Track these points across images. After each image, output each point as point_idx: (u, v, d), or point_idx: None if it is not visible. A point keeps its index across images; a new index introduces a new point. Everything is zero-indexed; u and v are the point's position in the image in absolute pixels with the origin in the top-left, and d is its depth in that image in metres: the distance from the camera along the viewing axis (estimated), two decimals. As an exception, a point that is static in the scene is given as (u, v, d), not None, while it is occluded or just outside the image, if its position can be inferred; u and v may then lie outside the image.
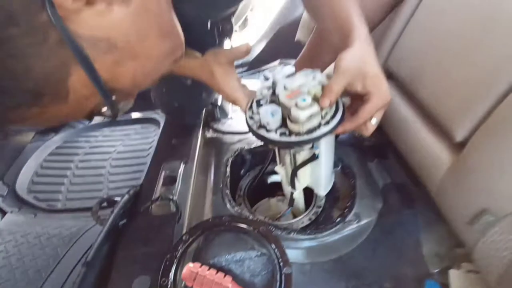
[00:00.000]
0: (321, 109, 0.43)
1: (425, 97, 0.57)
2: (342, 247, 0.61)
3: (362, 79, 0.43)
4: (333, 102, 0.43)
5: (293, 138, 0.44)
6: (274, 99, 0.49)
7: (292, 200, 0.66)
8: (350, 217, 0.64)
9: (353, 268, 0.58)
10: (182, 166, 0.79)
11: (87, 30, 0.28)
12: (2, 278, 0.81)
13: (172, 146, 0.88)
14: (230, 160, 0.77)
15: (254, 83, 1.27)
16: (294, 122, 0.43)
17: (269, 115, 0.44)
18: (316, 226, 0.68)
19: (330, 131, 0.44)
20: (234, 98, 0.57)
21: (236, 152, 0.80)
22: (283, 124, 0.45)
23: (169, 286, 0.51)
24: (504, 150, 0.39)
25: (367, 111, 0.45)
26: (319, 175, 0.58)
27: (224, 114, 0.99)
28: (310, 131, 0.43)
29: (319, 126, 0.44)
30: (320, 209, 0.72)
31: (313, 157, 0.53)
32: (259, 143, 0.85)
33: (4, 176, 1.16)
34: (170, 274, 0.52)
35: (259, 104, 0.50)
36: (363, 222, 0.63)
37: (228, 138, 0.88)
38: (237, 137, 0.88)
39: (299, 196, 0.67)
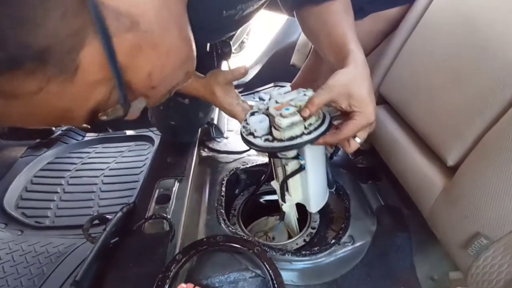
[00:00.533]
0: (304, 120, 0.47)
1: (417, 122, 0.59)
2: (336, 270, 0.60)
3: (347, 97, 0.47)
4: (313, 113, 0.46)
5: (275, 144, 0.47)
6: (267, 112, 0.52)
7: (283, 214, 0.67)
8: (344, 238, 0.64)
9: (348, 291, 0.58)
10: (176, 185, 0.79)
11: (113, 0, 0.26)
12: (-18, 298, 0.77)
13: (167, 164, 0.88)
14: (226, 179, 0.77)
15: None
16: (277, 129, 0.47)
17: (257, 123, 0.49)
18: (310, 247, 0.68)
19: (310, 140, 0.47)
20: (233, 113, 0.65)
21: (232, 172, 0.80)
22: (270, 133, 0.49)
23: (160, 308, 0.50)
24: (494, 175, 0.41)
25: (349, 128, 0.48)
26: (308, 190, 0.59)
27: (220, 133, 1.00)
28: (292, 138, 0.47)
29: (301, 135, 0.47)
30: (315, 231, 0.71)
31: (300, 169, 0.56)
32: (254, 163, 0.86)
33: (-8, 191, 1.13)
34: (162, 295, 0.51)
35: (252, 115, 0.54)
36: (357, 244, 0.63)
37: (223, 158, 0.89)
38: (232, 157, 0.88)
39: (290, 211, 0.67)
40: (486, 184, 0.41)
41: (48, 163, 1.32)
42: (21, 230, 1.00)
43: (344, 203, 0.72)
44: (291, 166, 0.57)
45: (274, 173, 0.64)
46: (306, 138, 0.47)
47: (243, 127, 0.54)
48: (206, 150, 0.94)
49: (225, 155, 0.90)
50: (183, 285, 0.51)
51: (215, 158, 0.89)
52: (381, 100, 0.73)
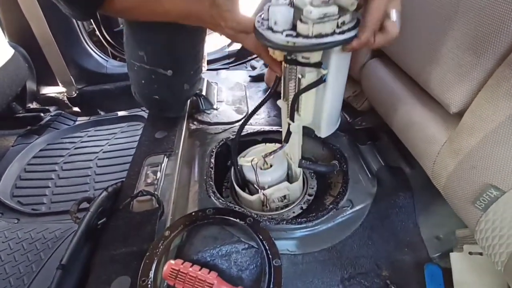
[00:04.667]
0: (339, 16, 0.38)
1: (415, 70, 0.53)
2: (335, 236, 0.57)
3: None
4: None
5: (299, 40, 0.38)
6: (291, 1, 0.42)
7: (287, 136, 0.56)
8: (343, 203, 0.60)
9: (348, 257, 0.55)
10: (165, 160, 0.75)
11: None
12: (-19, 287, 0.77)
13: (155, 140, 0.83)
14: (215, 151, 0.73)
15: (241, 75, 1.22)
16: (304, 21, 0.38)
17: (278, 14, 0.39)
18: (307, 215, 0.64)
19: (344, 41, 0.38)
20: (243, 23, 0.48)
21: (221, 142, 0.75)
22: (293, 28, 0.40)
23: (149, 286, 0.47)
24: (506, 117, 0.35)
25: (375, 7, 0.37)
26: (322, 108, 0.51)
27: (209, 104, 0.94)
28: (321, 36, 0.38)
29: (332, 33, 0.38)
30: (312, 197, 0.68)
31: (320, 80, 0.46)
32: (246, 131, 0.81)
33: (-14, 182, 1.11)
34: (150, 273, 0.48)
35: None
36: (357, 208, 0.59)
37: (213, 129, 0.84)
38: (222, 127, 0.83)
39: (296, 133, 0.57)
40: (496, 129, 0.36)
41: (40, 150, 1.29)
42: (17, 218, 0.99)
43: (342, 166, 0.68)
44: (309, 77, 0.47)
45: (282, 90, 0.55)
46: (338, 37, 0.38)
47: (258, 21, 0.44)
48: (195, 123, 0.89)
49: (215, 126, 0.85)
50: (171, 261, 0.48)
51: (205, 130, 0.84)
52: (377, 52, 0.66)
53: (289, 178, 0.66)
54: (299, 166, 0.63)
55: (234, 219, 0.55)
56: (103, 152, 1.28)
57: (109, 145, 1.32)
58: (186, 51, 0.80)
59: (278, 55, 0.47)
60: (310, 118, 0.53)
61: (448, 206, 0.56)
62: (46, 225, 0.93)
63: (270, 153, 0.59)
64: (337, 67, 0.46)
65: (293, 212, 0.65)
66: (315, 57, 0.44)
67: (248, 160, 0.63)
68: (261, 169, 0.63)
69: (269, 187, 0.61)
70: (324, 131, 0.54)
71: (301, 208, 0.66)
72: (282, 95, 0.56)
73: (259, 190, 0.60)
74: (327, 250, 0.55)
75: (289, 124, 0.54)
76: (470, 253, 0.48)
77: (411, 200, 0.60)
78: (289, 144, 0.57)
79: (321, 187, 0.70)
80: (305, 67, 0.45)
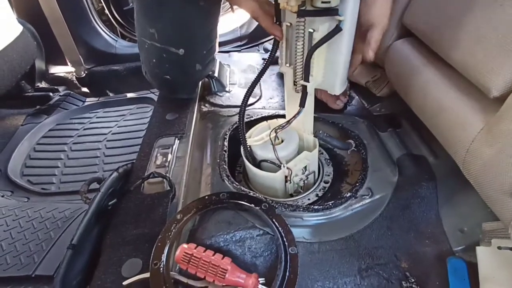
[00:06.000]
0: None
1: (451, 52, 0.49)
2: (353, 225, 0.55)
3: None
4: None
5: None
6: None
7: (304, 97, 0.53)
8: (362, 191, 0.57)
9: (366, 247, 0.53)
10: (176, 142, 0.73)
11: None
12: (-7, 263, 0.77)
13: (166, 122, 0.81)
14: (228, 134, 0.71)
15: (254, 57, 1.18)
16: None
17: None
18: (324, 202, 0.62)
19: None
20: None
21: (235, 125, 0.73)
22: None
23: (161, 269, 0.46)
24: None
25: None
26: (338, 63, 0.48)
27: (221, 86, 0.91)
28: None
29: None
30: (328, 185, 0.65)
31: (337, 29, 0.43)
32: (260, 115, 0.78)
33: (-4, 160, 1.11)
34: (163, 256, 0.47)
35: None
36: (376, 197, 0.57)
37: (225, 112, 0.81)
38: (235, 110, 0.81)
39: (309, 102, 0.55)
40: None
41: (49, 130, 1.29)
42: (27, 197, 0.99)
43: (360, 153, 0.65)
44: (323, 28, 0.45)
45: (284, 55, 0.53)
46: None
47: None
48: (207, 105, 0.86)
49: (228, 109, 0.82)
50: (184, 245, 0.47)
51: (217, 112, 0.82)
52: (405, 32, 0.62)
53: (301, 150, 0.63)
54: (315, 136, 0.60)
55: (249, 204, 0.53)
56: (112, 134, 1.27)
57: (118, 127, 1.30)
58: (198, 29, 0.77)
59: (293, 4, 0.43)
60: (321, 77, 0.51)
61: (473, 198, 0.53)
62: (55, 205, 0.93)
63: (284, 125, 0.57)
64: (353, 12, 0.44)
65: (308, 199, 0.63)
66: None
67: (257, 139, 0.61)
68: (271, 144, 0.60)
69: (287, 162, 0.58)
70: (338, 87, 0.51)
71: (317, 195, 0.63)
72: (283, 61, 0.53)
73: (281, 165, 0.57)
74: (345, 239, 0.53)
75: (305, 87, 0.52)
76: (499, 247, 0.45)
77: (434, 190, 0.57)
78: (304, 109, 0.54)
79: (338, 175, 0.67)
80: (319, 16, 0.43)
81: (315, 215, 0.54)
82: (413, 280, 0.50)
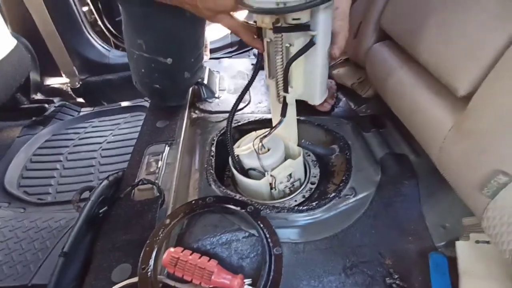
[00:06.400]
0: None
1: (422, 54, 0.51)
2: (337, 224, 0.56)
3: None
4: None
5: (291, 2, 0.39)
6: None
7: (285, 107, 0.56)
8: (345, 191, 0.59)
9: (350, 245, 0.54)
10: (166, 149, 0.74)
11: None
12: (-10, 274, 0.78)
13: (156, 129, 0.83)
14: (216, 139, 0.72)
15: (243, 63, 1.20)
16: None
17: None
18: (309, 203, 0.64)
19: None
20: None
21: (222, 130, 0.74)
22: None
23: (149, 273, 0.47)
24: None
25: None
26: (315, 74, 0.50)
27: (211, 93, 0.93)
28: None
29: None
30: (315, 186, 0.67)
31: (311, 43, 0.46)
32: (247, 120, 0.80)
33: (-8, 172, 1.13)
34: (151, 261, 0.48)
35: None
36: (360, 196, 0.58)
37: (214, 118, 0.83)
38: (223, 116, 0.82)
39: (291, 108, 0.58)
40: (507, 111, 0.34)
41: (45, 140, 1.30)
42: (23, 207, 1.00)
43: (345, 154, 0.67)
44: (298, 43, 0.48)
45: (267, 69, 0.56)
46: None
47: None
48: (197, 111, 0.88)
49: (217, 115, 0.84)
50: (171, 249, 0.48)
51: (206, 118, 0.83)
52: (383, 35, 0.64)
53: (287, 158, 0.65)
54: (298, 145, 0.62)
55: (235, 207, 0.54)
56: (107, 143, 1.28)
57: (113, 136, 1.32)
58: (185, 37, 0.79)
59: (267, 22, 0.47)
60: (302, 88, 0.53)
61: (454, 194, 0.55)
62: (51, 215, 0.94)
63: (267, 134, 0.59)
64: (325, 26, 0.45)
65: (295, 201, 0.64)
66: (306, 16, 0.44)
67: (244, 148, 0.63)
68: (258, 154, 0.63)
69: (272, 169, 0.60)
70: (318, 97, 0.53)
71: (303, 196, 0.65)
72: (267, 74, 0.56)
73: (266, 173, 0.59)
74: (329, 239, 0.54)
75: (284, 98, 0.54)
76: (477, 241, 0.47)
77: (416, 188, 0.58)
78: (286, 119, 0.56)
79: (324, 176, 0.69)
80: (293, 32, 0.46)
81: (300, 216, 0.56)
82: (396, 277, 0.51)
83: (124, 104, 1.47)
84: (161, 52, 0.77)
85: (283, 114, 0.56)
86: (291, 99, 0.54)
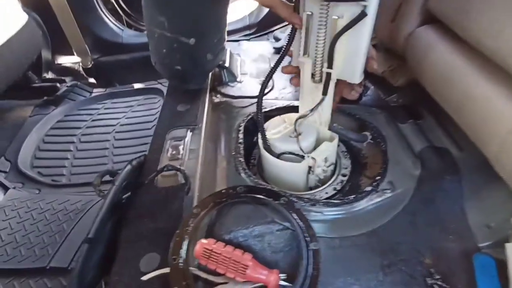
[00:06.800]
0: None
1: (481, 39, 0.46)
2: (375, 220, 0.53)
3: None
4: None
5: None
6: None
7: (327, 84, 0.53)
8: (383, 185, 0.56)
9: (389, 243, 0.51)
10: (188, 134, 0.71)
11: None
12: (8, 255, 0.77)
13: (177, 113, 0.79)
14: (242, 125, 0.69)
15: (264, 46, 1.15)
16: None
17: None
18: (342, 197, 0.61)
19: None
20: None
21: (249, 117, 0.71)
22: None
23: (181, 264, 0.45)
24: None
25: None
26: (360, 49, 0.47)
27: (233, 77, 0.89)
28: None
29: None
30: (346, 178, 0.64)
31: (362, 14, 0.43)
32: (274, 106, 0.76)
33: (6, 152, 1.11)
34: (181, 252, 0.46)
35: None
36: (398, 190, 0.55)
37: (238, 102, 0.79)
38: (248, 101, 0.78)
39: (329, 92, 0.55)
40: None
41: (58, 121, 1.28)
42: (38, 189, 0.98)
43: (380, 146, 0.63)
44: (348, 14, 0.44)
45: (303, 46, 0.52)
46: None
47: None
48: (218, 96, 0.84)
49: (240, 100, 0.80)
50: (203, 240, 0.45)
51: (230, 103, 0.80)
52: (428, 18, 0.59)
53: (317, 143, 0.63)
54: (329, 129, 0.59)
55: (268, 198, 0.52)
56: (120, 125, 1.26)
57: (126, 118, 1.29)
58: (209, 17, 0.74)
59: None
60: (341, 66, 0.51)
61: (501, 193, 0.51)
62: (67, 197, 0.92)
63: (305, 115, 0.57)
64: None
65: (326, 193, 0.61)
66: None
67: (275, 132, 0.60)
68: (290, 137, 0.60)
69: (307, 153, 0.57)
70: (359, 75, 0.50)
71: (335, 189, 0.62)
72: (301, 51, 0.52)
73: (305, 156, 0.56)
74: (366, 235, 0.51)
75: (328, 74, 0.51)
76: (531, 244, 0.44)
77: (459, 184, 0.55)
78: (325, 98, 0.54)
79: (355, 168, 0.66)
80: (346, 1, 0.44)
81: (336, 210, 0.53)
82: (438, 277, 0.48)
83: (138, 86, 1.43)
84: (184, 32, 0.72)
85: (325, 92, 0.54)
86: (334, 75, 0.51)
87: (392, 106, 0.74)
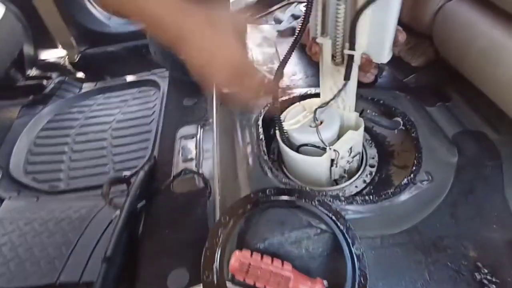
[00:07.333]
0: None
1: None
2: (415, 214, 0.49)
3: None
4: None
5: None
6: None
7: (350, 68, 0.48)
8: (420, 176, 0.52)
9: (431, 238, 0.48)
10: (200, 131, 0.66)
11: None
12: (11, 273, 0.71)
13: (183, 108, 0.73)
14: (260, 118, 0.63)
15: (267, 29, 1.08)
16: None
17: None
18: (373, 189, 0.57)
19: None
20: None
21: (265, 108, 0.65)
22: None
23: (215, 281, 0.40)
24: None
25: None
26: (387, 25, 0.41)
27: (240, 64, 0.82)
28: None
29: None
30: (375, 169, 0.60)
31: None
32: (291, 95, 0.70)
33: (-5, 158, 1.03)
34: (214, 267, 0.41)
35: None
36: (437, 181, 0.51)
37: (250, 93, 0.73)
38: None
39: (353, 75, 0.49)
40: None
41: (48, 121, 1.19)
42: (36, 197, 0.92)
43: (409, 132, 0.59)
44: None
45: (320, 25, 0.47)
46: None
47: None
48: (226, 87, 0.78)
49: (252, 90, 0.74)
50: (238, 253, 0.41)
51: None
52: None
53: (340, 131, 0.58)
54: (360, 115, 0.54)
55: (300, 200, 0.47)
56: (117, 122, 1.18)
57: (122, 114, 1.21)
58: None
59: None
60: (365, 44, 0.45)
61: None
62: (69, 204, 0.86)
63: (326, 103, 0.52)
64: None
65: (356, 187, 0.57)
66: None
67: (292, 122, 0.55)
68: (310, 127, 0.55)
69: (329, 144, 0.52)
70: (387, 53, 0.45)
71: (364, 181, 0.58)
72: (318, 31, 0.47)
73: (327, 148, 0.51)
74: (408, 231, 0.48)
75: (350, 57, 0.46)
76: None
77: (499, 170, 0.52)
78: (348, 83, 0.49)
79: (382, 157, 0.62)
80: None
81: (374, 207, 0.49)
82: (486, 271, 0.45)
83: (130, 78, 1.35)
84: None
85: (347, 77, 0.48)
86: (358, 57, 0.46)
87: (416, 88, 0.70)
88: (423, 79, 0.74)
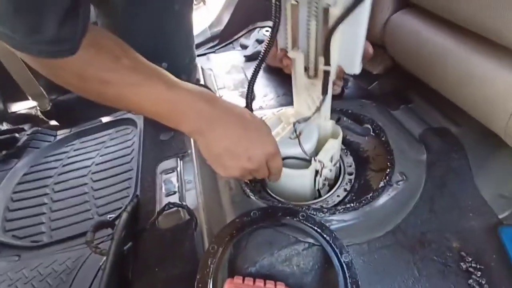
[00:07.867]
0: None
1: (470, 15, 0.46)
2: (396, 214, 0.51)
3: None
4: None
5: None
6: None
7: (327, 82, 0.49)
8: (395, 177, 0.54)
9: (414, 235, 0.50)
10: (180, 164, 0.66)
11: None
12: None
13: (161, 143, 0.74)
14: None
15: (234, 56, 1.12)
16: None
17: None
18: (354, 196, 0.59)
19: None
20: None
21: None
22: None
23: (210, 314, 0.40)
24: None
25: None
26: (358, 37, 0.42)
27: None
28: None
29: None
30: (353, 176, 0.62)
31: (358, 1, 0.38)
32: (263, 116, 0.73)
33: (-30, 220, 0.98)
34: (208, 299, 0.41)
35: None
36: (411, 179, 0.54)
37: (225, 119, 0.75)
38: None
39: (329, 88, 0.51)
40: None
41: (24, 174, 1.16)
42: (17, 255, 0.88)
43: (378, 137, 0.62)
44: (342, 1, 0.39)
45: (290, 39, 0.48)
46: None
47: None
48: (201, 116, 0.79)
49: (226, 116, 0.76)
50: (230, 280, 0.41)
51: (215, 122, 0.75)
52: (400, 4, 0.59)
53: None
54: (337, 122, 0.56)
55: (284, 217, 0.48)
56: (96, 165, 1.16)
57: (100, 156, 1.19)
58: (177, 36, 0.70)
59: None
60: (337, 57, 0.46)
61: (507, 161, 0.52)
62: (53, 257, 0.83)
63: (307, 117, 0.54)
64: None
65: (338, 196, 0.59)
66: None
67: (273, 134, 0.56)
68: (291, 139, 0.55)
69: (310, 154, 0.53)
70: (358, 65, 0.46)
71: (345, 189, 0.60)
72: (289, 45, 0.48)
73: (312, 159, 0.52)
74: (392, 232, 0.50)
75: (326, 72, 0.47)
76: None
77: (466, 160, 0.55)
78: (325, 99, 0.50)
79: (359, 163, 0.64)
80: None
81: (357, 213, 0.50)
82: (470, 259, 0.47)
83: (106, 119, 1.34)
84: (155, 56, 0.67)
85: (325, 90, 0.49)
86: (333, 71, 0.47)
87: (380, 94, 0.74)
88: (385, 85, 0.78)
